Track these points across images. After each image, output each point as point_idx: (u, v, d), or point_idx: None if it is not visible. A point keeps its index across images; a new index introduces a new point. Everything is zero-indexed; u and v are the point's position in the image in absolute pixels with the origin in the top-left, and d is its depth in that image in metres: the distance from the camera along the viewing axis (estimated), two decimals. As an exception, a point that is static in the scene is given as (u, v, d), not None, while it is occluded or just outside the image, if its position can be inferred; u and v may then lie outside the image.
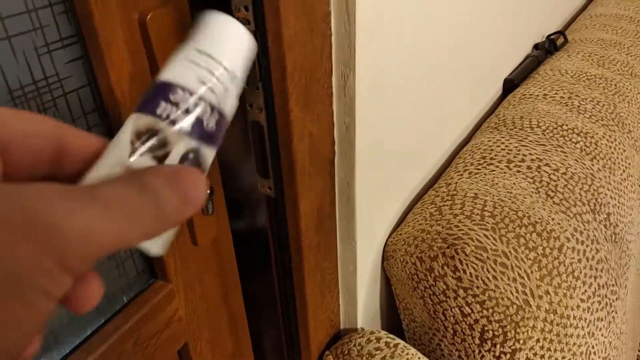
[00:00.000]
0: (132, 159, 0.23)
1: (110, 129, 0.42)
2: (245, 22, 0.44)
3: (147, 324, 0.50)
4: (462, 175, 0.77)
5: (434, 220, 0.69)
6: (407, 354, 0.65)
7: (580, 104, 0.93)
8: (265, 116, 0.50)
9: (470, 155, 0.82)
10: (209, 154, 0.25)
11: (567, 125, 0.87)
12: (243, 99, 0.50)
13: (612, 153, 0.86)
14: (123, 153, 0.23)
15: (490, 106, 1.04)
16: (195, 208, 0.22)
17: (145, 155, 0.23)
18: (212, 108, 0.24)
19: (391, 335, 0.68)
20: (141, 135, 0.23)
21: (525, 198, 0.72)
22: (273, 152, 0.52)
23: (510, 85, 1.05)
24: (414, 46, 0.64)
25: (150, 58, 0.40)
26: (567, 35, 1.24)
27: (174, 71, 0.24)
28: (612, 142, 0.87)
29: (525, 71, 1.09)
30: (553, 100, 0.95)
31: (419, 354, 0.66)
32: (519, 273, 0.64)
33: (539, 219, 0.69)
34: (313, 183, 0.55)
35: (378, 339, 0.67)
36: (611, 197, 0.79)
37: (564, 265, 0.67)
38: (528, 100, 0.95)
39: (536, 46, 1.19)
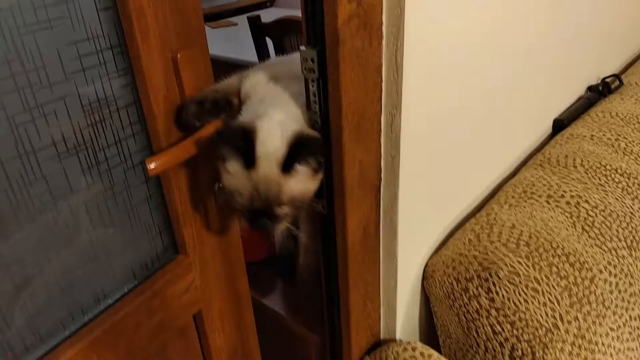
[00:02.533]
0: None
1: (147, 135, 0.58)
2: (311, 71, 0.55)
3: (170, 288, 0.62)
4: (502, 206, 0.83)
5: (472, 245, 0.76)
6: (440, 366, 0.71)
7: (627, 145, 0.96)
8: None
9: (512, 189, 0.88)
10: None
11: (611, 165, 0.90)
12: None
13: (656, 194, 0.88)
14: None
15: (539, 144, 1.08)
16: None
17: None
18: None
19: (427, 347, 0.74)
20: None
21: (561, 231, 0.77)
22: (327, 175, 0.62)
23: (559, 125, 1.09)
24: (462, 90, 0.72)
25: (179, 85, 0.55)
26: (622, 79, 1.26)
27: None
28: (657, 184, 0.90)
29: (576, 112, 1.13)
30: (600, 141, 0.98)
31: (451, 367, 0.72)
32: (549, 298, 0.69)
33: (573, 250, 0.74)
34: (360, 204, 0.64)
35: (414, 349, 0.73)
36: (651, 236, 0.82)
37: (595, 295, 0.71)
38: (575, 140, 1.00)
39: (590, 88, 1.23)
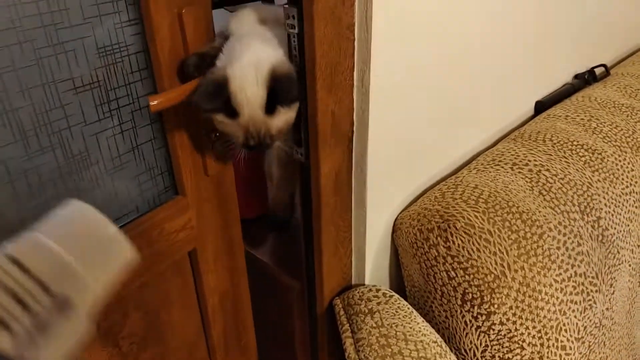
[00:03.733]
0: None
1: (153, 80, 0.66)
2: (292, 27, 0.64)
3: (169, 223, 0.72)
4: (470, 171, 0.91)
5: (436, 201, 0.84)
6: (399, 304, 0.80)
7: (598, 126, 1.03)
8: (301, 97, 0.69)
9: (483, 158, 0.96)
10: None
11: (578, 141, 0.98)
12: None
13: (618, 170, 0.95)
14: None
15: (520, 123, 1.16)
16: None
17: None
18: None
19: (390, 290, 0.83)
20: None
21: (519, 193, 0.84)
22: (305, 125, 0.71)
23: (540, 106, 1.16)
24: (433, 56, 0.80)
25: (184, 39, 0.63)
26: (609, 69, 1.32)
27: None
28: (620, 161, 0.97)
29: (559, 96, 1.20)
30: (573, 121, 1.05)
31: (408, 305, 0.80)
32: (499, 249, 0.77)
33: (527, 209, 0.82)
34: (333, 152, 0.73)
35: (377, 290, 0.82)
36: (605, 205, 0.89)
37: (542, 249, 0.79)
38: (550, 120, 1.07)
39: (576, 76, 1.29)
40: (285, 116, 0.64)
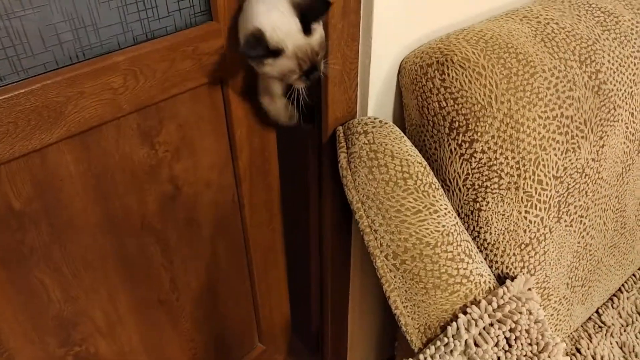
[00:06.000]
0: None
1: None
2: None
3: (202, 44, 0.81)
4: (482, 22, 0.95)
5: (440, 41, 0.89)
6: (392, 128, 0.89)
7: (624, -7, 1.02)
8: None
9: (498, 13, 0.99)
10: None
11: (596, 4, 0.98)
12: None
13: (632, 34, 0.96)
14: None
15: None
16: None
17: None
18: None
19: (387, 120, 0.91)
20: None
21: (520, 37, 0.88)
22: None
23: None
24: None
25: None
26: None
27: None
28: (637, 27, 0.97)
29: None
30: (599, -12, 1.05)
31: (400, 132, 0.89)
32: (489, 82, 0.83)
33: (524, 51, 0.86)
34: (342, -27, 0.79)
35: (375, 119, 0.91)
36: (609, 62, 0.91)
37: (531, 87, 0.84)
38: (576, -13, 1.06)
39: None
40: (319, 30, 0.77)
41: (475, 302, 0.80)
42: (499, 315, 0.79)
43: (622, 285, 1.25)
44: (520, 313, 0.81)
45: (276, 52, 0.75)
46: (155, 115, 0.86)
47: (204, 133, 0.94)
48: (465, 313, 0.79)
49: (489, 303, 0.80)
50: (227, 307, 1.21)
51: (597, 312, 1.19)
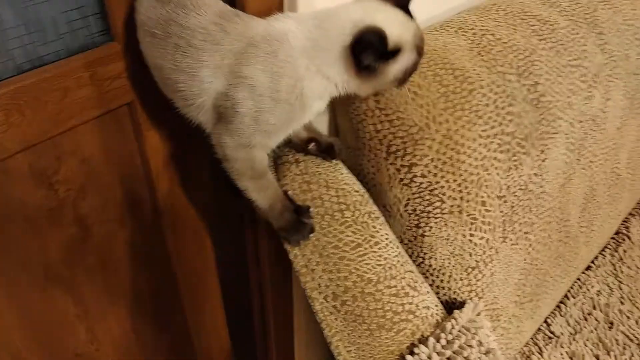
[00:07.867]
0: None
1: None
2: None
3: (101, 68, 0.72)
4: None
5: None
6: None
7: (557, 0, 0.99)
8: None
9: (432, 25, 0.93)
10: None
11: (532, 12, 0.94)
12: None
13: (568, 42, 0.93)
14: None
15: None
16: None
17: None
18: None
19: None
20: None
21: (456, 52, 0.83)
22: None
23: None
24: None
25: None
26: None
27: None
28: (572, 35, 0.94)
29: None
30: (534, -5, 1.01)
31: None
32: (426, 102, 0.77)
33: (461, 67, 0.80)
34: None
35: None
36: (546, 72, 0.88)
37: (470, 104, 0.78)
38: (510, -7, 1.03)
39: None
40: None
41: (423, 340, 0.75)
42: (448, 352, 0.74)
43: (568, 290, 1.24)
44: (470, 346, 0.76)
45: (392, 54, 0.66)
46: (51, 152, 0.74)
47: (114, 166, 0.83)
48: (412, 354, 0.73)
49: (437, 340, 0.74)
50: (160, 345, 1.10)
51: (545, 322, 1.18)
